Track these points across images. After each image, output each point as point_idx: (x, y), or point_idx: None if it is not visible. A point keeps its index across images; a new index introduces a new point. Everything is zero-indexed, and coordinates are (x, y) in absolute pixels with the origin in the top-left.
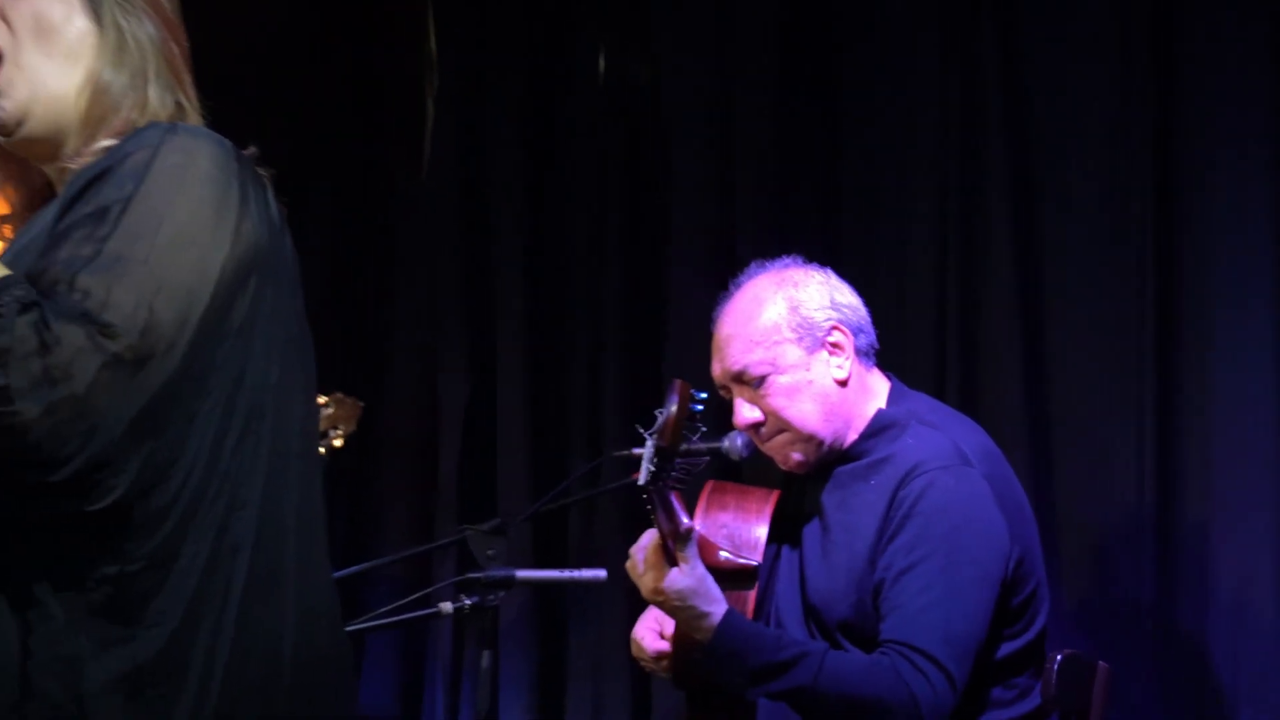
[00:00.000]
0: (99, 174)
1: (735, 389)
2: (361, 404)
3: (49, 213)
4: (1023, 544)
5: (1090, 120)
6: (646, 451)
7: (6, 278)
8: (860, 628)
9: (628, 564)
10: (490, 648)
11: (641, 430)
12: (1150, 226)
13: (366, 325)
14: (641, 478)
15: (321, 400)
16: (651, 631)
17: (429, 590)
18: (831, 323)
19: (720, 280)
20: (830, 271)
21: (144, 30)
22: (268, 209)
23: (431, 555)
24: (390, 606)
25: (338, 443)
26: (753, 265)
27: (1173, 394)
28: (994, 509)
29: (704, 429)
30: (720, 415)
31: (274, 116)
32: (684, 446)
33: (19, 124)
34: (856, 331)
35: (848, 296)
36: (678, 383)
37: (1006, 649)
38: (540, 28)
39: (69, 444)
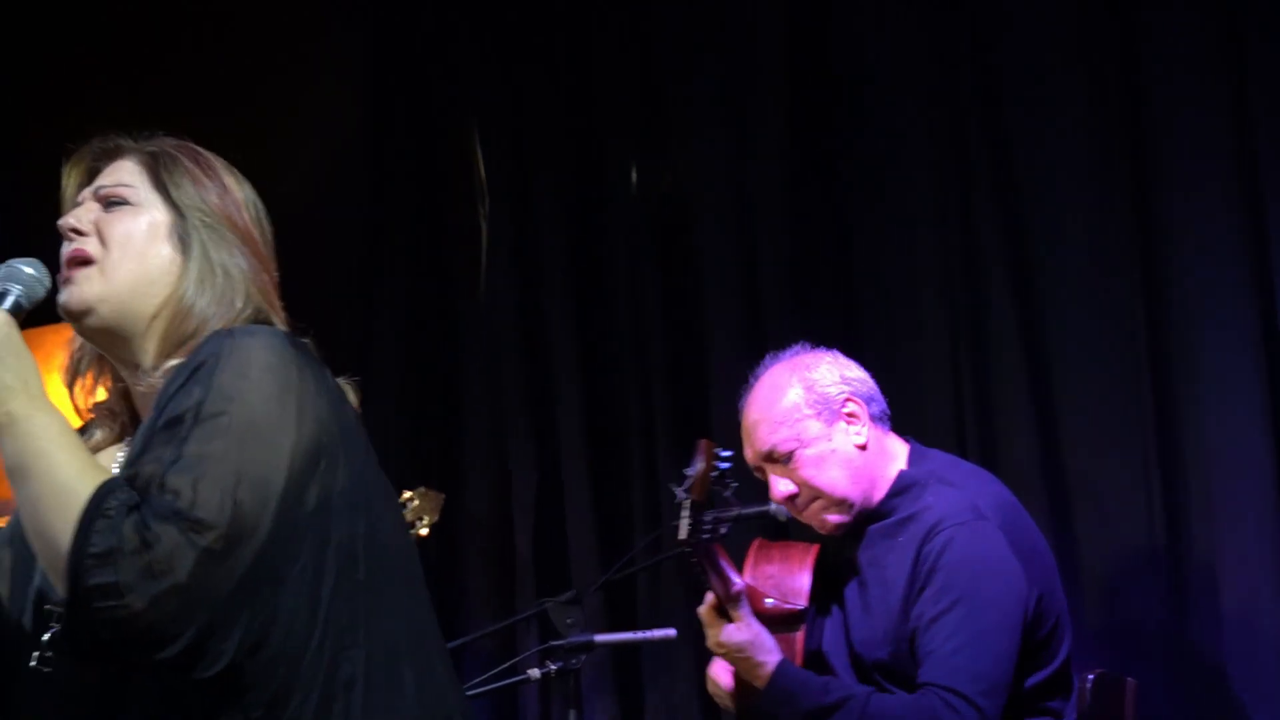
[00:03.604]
0: (179, 386)
1: (768, 468)
2: (443, 495)
3: (144, 426)
4: (1041, 585)
5: (1075, 192)
6: (683, 509)
7: (111, 481)
8: (898, 670)
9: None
10: (576, 708)
11: (675, 488)
12: (1141, 289)
13: (444, 426)
14: (682, 532)
15: (406, 495)
16: (726, 670)
17: (516, 660)
18: (844, 395)
19: (754, 362)
20: (836, 352)
21: (234, 262)
22: (326, 383)
23: (516, 628)
24: (482, 677)
25: (424, 532)
26: (767, 358)
27: (1173, 439)
28: (1010, 557)
29: (735, 484)
30: (761, 488)
31: (345, 241)
32: (734, 509)
33: (84, 314)
34: (868, 400)
35: (855, 371)
36: (702, 442)
37: (1036, 678)
38: (576, 147)
39: (176, 624)
